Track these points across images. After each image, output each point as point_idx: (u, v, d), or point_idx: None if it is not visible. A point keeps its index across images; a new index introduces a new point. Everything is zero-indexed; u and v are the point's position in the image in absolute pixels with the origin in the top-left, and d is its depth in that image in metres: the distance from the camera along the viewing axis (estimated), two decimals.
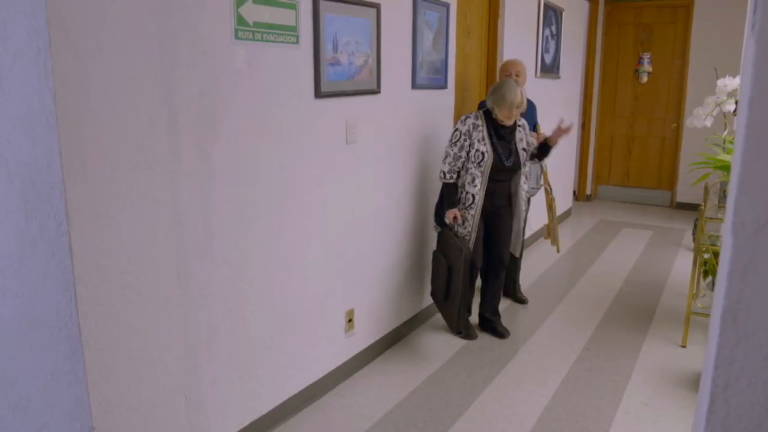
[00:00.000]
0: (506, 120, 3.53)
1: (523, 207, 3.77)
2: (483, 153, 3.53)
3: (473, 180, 3.56)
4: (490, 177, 3.57)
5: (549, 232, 4.52)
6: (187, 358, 2.33)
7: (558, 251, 4.65)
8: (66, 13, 1.78)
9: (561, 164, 6.61)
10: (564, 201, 6.94)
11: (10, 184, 2.05)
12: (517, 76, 4.06)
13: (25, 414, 2.29)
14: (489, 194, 3.62)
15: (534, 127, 4.21)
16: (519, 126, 3.67)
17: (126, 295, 2.07)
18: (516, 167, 3.66)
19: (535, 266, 5.26)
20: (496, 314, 3.94)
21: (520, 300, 4.47)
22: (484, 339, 3.82)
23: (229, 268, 2.47)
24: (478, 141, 3.53)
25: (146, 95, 2.04)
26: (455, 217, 3.59)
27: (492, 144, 3.56)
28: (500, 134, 3.59)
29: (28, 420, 2.29)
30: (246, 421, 2.67)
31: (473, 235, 3.62)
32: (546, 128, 4.24)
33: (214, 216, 2.37)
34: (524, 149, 3.70)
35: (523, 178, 3.75)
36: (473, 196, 3.57)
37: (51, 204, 1.92)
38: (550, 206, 4.44)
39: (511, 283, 4.44)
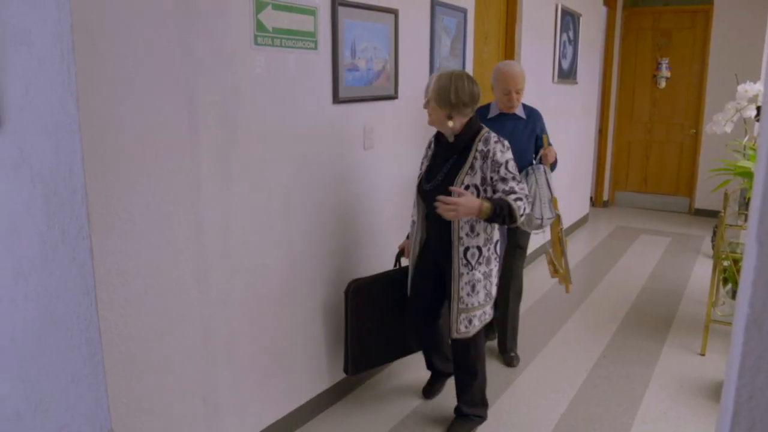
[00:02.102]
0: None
1: (461, 269, 2.62)
2: (420, 174, 2.81)
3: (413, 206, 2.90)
4: (422, 206, 2.81)
5: (556, 269, 3.55)
6: (205, 361, 2.35)
7: (568, 291, 3.61)
8: (91, 19, 1.81)
9: (578, 170, 6.58)
10: (581, 207, 6.91)
11: (33, 189, 2.08)
12: (517, 93, 3.30)
13: (45, 415, 2.32)
14: (427, 232, 2.83)
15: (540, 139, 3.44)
16: (478, 151, 2.58)
17: (146, 299, 2.09)
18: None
19: None
20: (463, 406, 2.91)
21: (507, 361, 3.56)
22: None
23: (248, 273, 2.49)
24: (426, 160, 2.81)
25: (168, 101, 2.07)
26: (403, 248, 3.05)
27: (429, 163, 2.78)
28: (437, 150, 2.77)
29: (48, 421, 2.32)
30: (263, 425, 2.68)
31: (410, 274, 2.94)
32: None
33: (233, 220, 2.38)
34: (474, 186, 2.57)
35: (467, 228, 2.60)
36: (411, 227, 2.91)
37: (73, 208, 1.95)
38: (559, 239, 3.52)
39: (500, 342, 3.63)
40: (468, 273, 2.63)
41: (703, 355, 3.66)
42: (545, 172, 3.36)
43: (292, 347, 2.78)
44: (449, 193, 2.50)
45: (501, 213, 2.47)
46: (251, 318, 2.53)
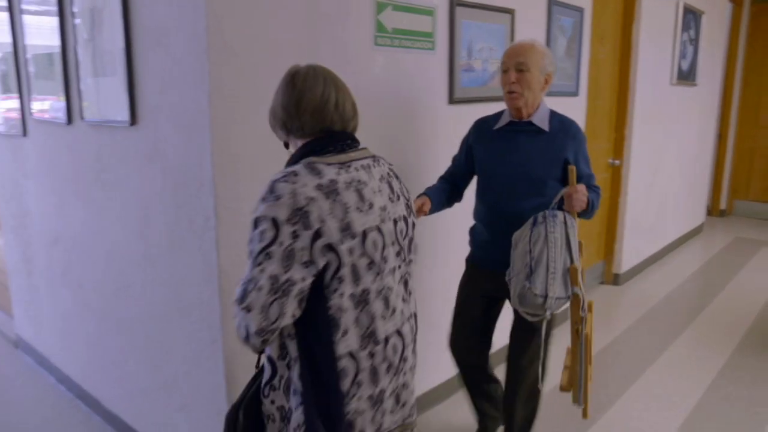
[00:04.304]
0: None
1: (261, 394, 1.50)
2: None
3: None
4: None
5: (570, 380, 2.15)
6: None
7: (586, 416, 2.17)
8: (224, 20, 1.89)
9: (693, 176, 6.23)
10: (695, 216, 6.54)
11: (164, 180, 2.21)
12: (519, 73, 2.18)
13: (168, 393, 2.46)
14: None
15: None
16: None
17: None
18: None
19: (662, 283, 4.98)
20: None
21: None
22: (608, 355, 3.66)
23: None
24: None
25: None
26: None
27: None
28: None
29: (171, 399, 2.45)
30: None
31: None
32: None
33: None
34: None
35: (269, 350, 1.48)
36: None
37: (200, 199, 2.05)
38: (578, 331, 2.08)
39: None
40: (263, 401, 1.50)
41: None
42: (565, 223, 2.06)
43: None
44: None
45: None
46: None
